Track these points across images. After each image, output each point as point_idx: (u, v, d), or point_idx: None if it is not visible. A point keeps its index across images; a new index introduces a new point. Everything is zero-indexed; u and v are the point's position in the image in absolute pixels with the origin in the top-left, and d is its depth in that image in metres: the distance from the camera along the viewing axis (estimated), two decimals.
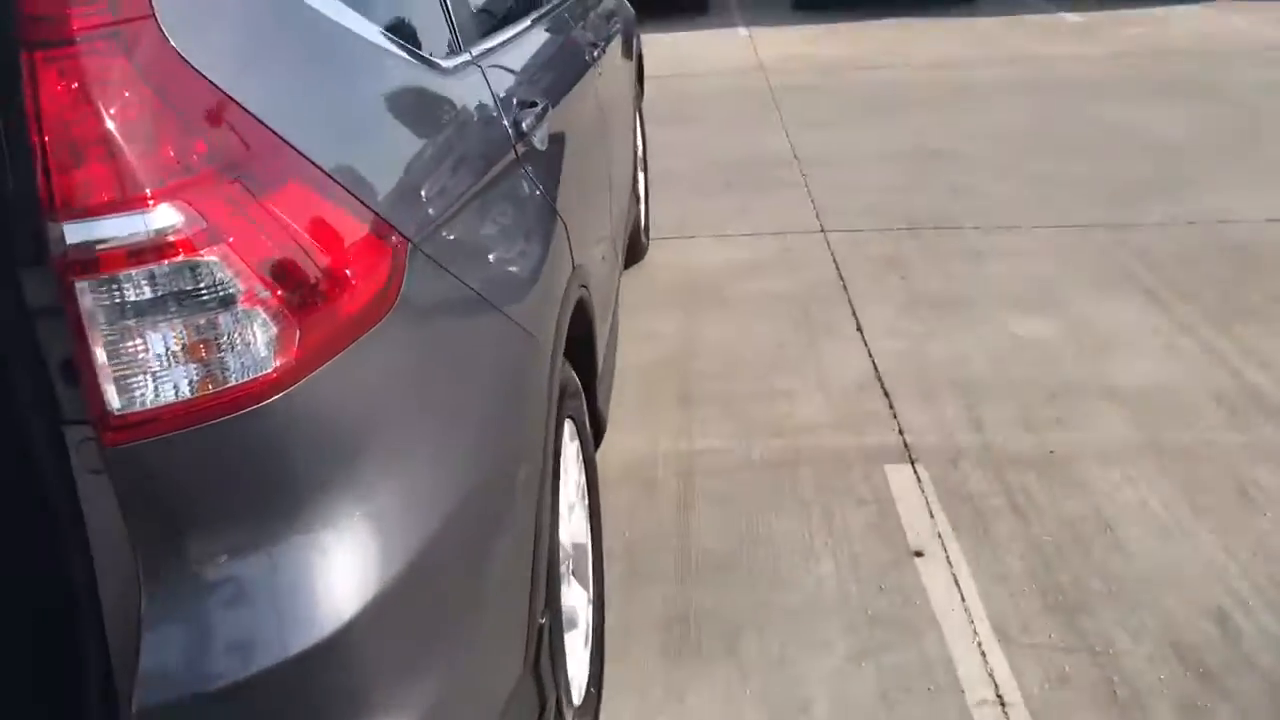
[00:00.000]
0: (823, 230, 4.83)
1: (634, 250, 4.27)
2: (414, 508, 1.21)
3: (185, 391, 0.99)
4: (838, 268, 4.37)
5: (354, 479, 1.14)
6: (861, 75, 8.42)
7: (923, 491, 2.83)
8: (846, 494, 2.83)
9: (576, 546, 2.09)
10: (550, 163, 1.96)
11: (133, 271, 0.94)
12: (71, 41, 0.91)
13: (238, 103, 1.03)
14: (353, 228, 1.15)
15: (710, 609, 2.43)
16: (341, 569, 1.11)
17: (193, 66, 1.00)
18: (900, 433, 3.11)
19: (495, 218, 1.56)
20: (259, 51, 1.13)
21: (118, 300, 0.93)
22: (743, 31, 10.84)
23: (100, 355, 0.94)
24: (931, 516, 2.72)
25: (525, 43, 2.17)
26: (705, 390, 3.41)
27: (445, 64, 1.58)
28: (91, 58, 0.92)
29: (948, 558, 2.56)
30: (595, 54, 2.79)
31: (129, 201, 0.93)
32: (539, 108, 1.92)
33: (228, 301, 0.99)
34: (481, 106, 1.67)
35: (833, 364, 3.54)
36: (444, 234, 1.36)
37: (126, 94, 0.94)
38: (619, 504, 2.82)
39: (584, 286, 2.06)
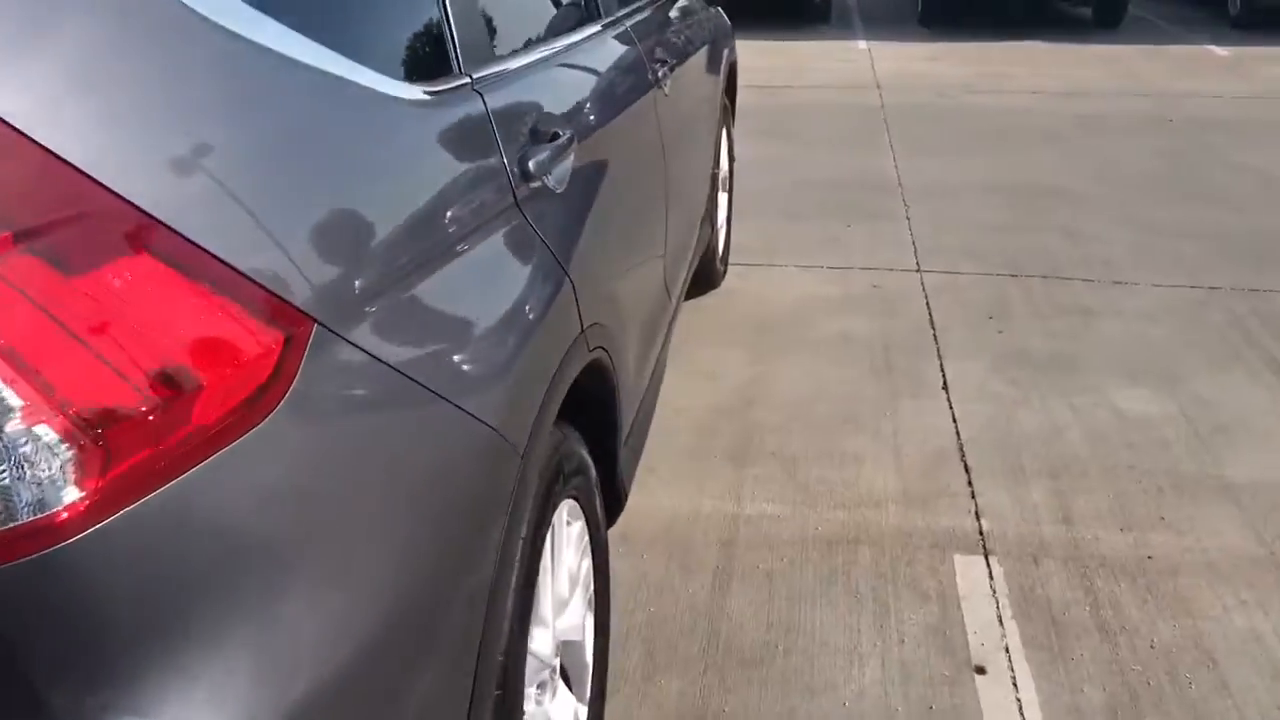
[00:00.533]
0: (919, 269, 4.45)
1: (706, 277, 3.97)
2: (288, 666, 0.95)
3: None
4: (930, 313, 4.00)
5: (203, 637, 0.88)
6: (983, 100, 7.94)
7: (994, 592, 2.47)
8: (907, 586, 2.49)
9: (569, 646, 1.82)
10: (569, 207, 1.68)
11: None
12: None
13: (39, 144, 0.78)
14: (217, 313, 0.90)
15: (730, 713, 2.13)
16: None
17: None
18: (977, 517, 2.75)
19: (464, 283, 1.29)
20: (93, 71, 0.87)
21: None
22: (862, 44, 10.41)
23: None
24: (1001, 625, 2.36)
25: (562, 62, 1.90)
26: (764, 445, 3.09)
27: (420, 91, 1.31)
28: None
29: (1014, 678, 2.21)
30: (661, 72, 2.50)
31: None
32: (560, 141, 1.64)
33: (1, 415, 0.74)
34: (468, 143, 1.40)
35: (911, 426, 3.19)
36: (377, 310, 1.09)
37: None
38: (648, 572, 2.53)
39: (601, 349, 1.78)
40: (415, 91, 1.31)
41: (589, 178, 1.84)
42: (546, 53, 1.84)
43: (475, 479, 1.21)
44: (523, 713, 1.48)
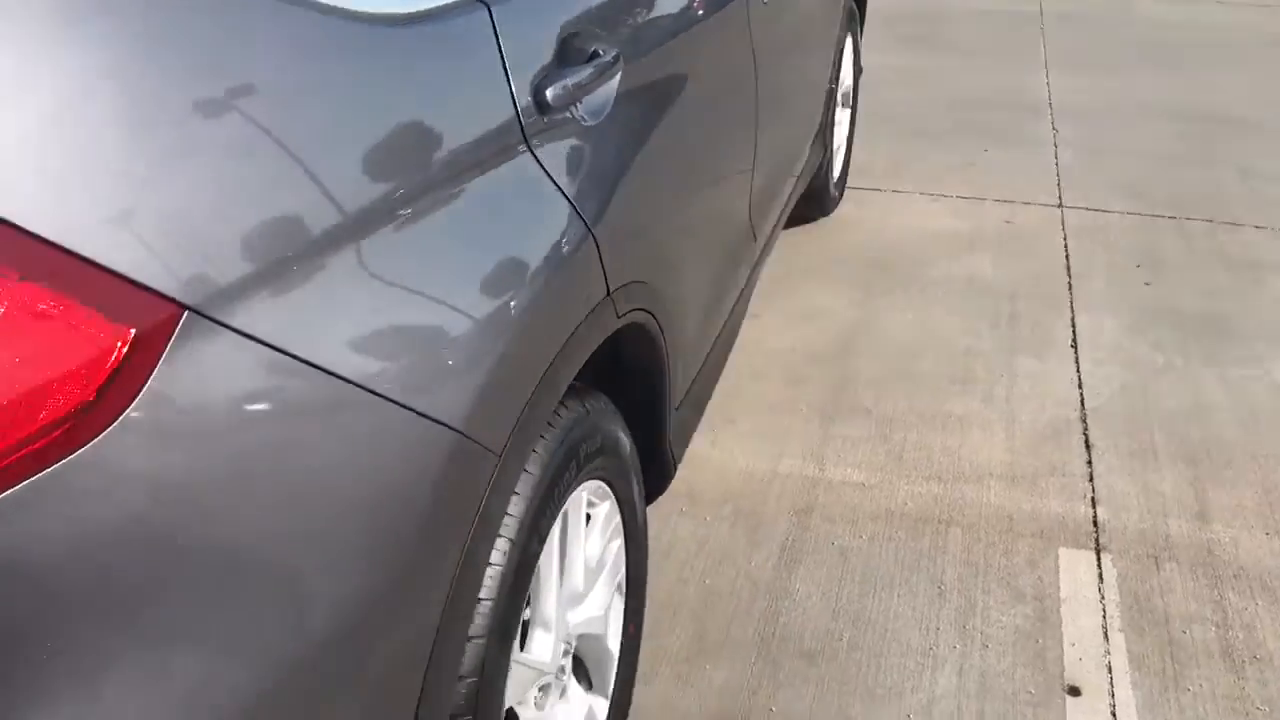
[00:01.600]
0: (1060, 204, 4.00)
1: (818, 202, 3.63)
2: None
3: None
4: (1068, 257, 3.58)
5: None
6: (1160, 8, 7.15)
7: (1102, 597, 2.16)
8: (1000, 580, 2.20)
9: (587, 639, 1.61)
10: (606, 144, 1.41)
11: None
12: None
13: None
14: (21, 307, 0.68)
15: (777, 713, 1.90)
16: None
17: None
18: (1093, 504, 2.42)
19: (427, 245, 1.04)
20: None
21: None
22: None
23: None
24: (1106, 638, 2.06)
25: None
26: (858, 400, 2.80)
27: (394, 6, 1.05)
28: None
29: (1113, 706, 1.91)
30: None
31: None
32: (599, 62, 1.36)
33: None
34: (457, 70, 1.14)
35: (1029, 389, 2.84)
36: (284, 288, 0.87)
37: None
38: (709, 538, 2.30)
39: (642, 310, 1.52)
40: (388, 4, 1.06)
41: (642, 106, 1.56)
42: None
43: (420, 491, 0.98)
44: None
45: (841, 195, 3.90)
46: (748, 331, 3.08)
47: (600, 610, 1.61)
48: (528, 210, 1.21)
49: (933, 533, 2.33)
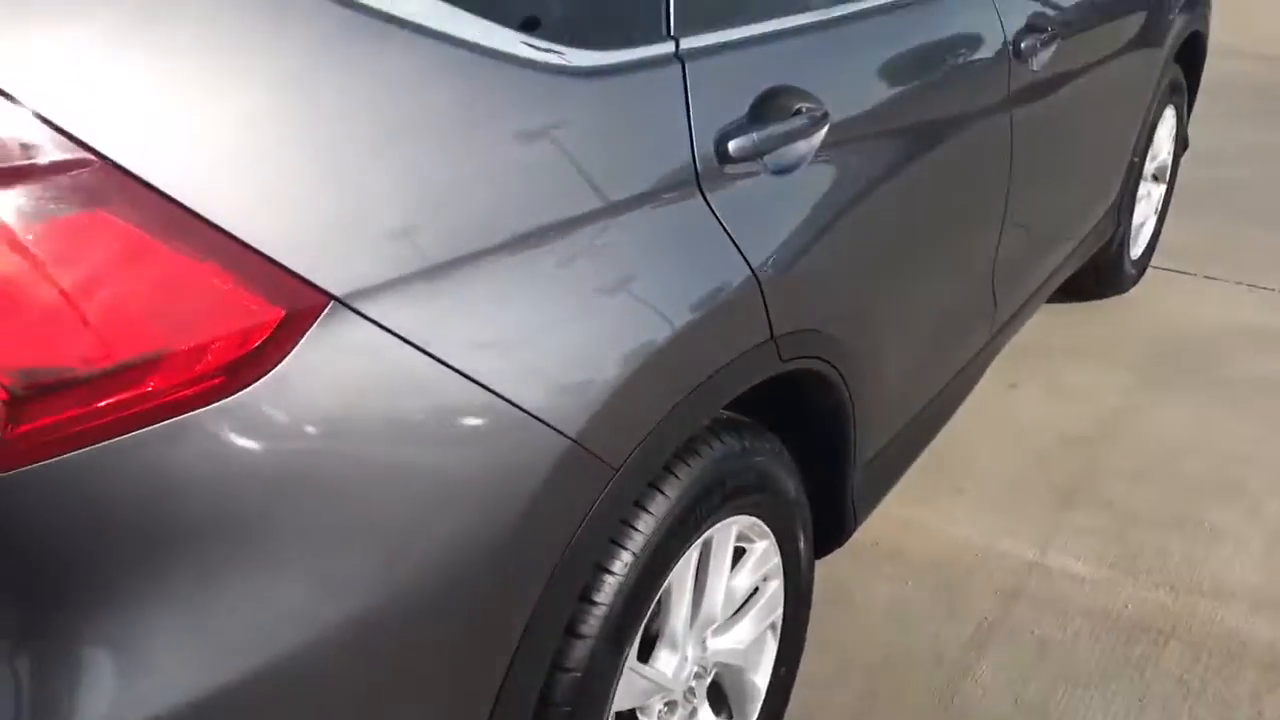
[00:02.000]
0: None
1: (1110, 279, 3.45)
2: (228, 645, 0.93)
3: None
4: None
5: (121, 591, 0.89)
6: None
7: None
8: (1212, 708, 2.01)
9: (728, 669, 1.67)
10: (794, 194, 1.48)
11: None
12: None
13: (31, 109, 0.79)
14: (193, 281, 0.87)
15: None
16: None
17: None
18: None
19: (578, 266, 1.16)
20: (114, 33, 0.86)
21: None
22: None
23: None
24: None
25: (848, 28, 1.67)
26: (1102, 491, 2.64)
27: (585, 59, 1.19)
28: None
29: None
30: (1027, 44, 2.12)
31: None
32: (800, 120, 1.44)
33: None
34: (638, 117, 1.26)
35: None
36: (429, 290, 1.02)
37: None
38: (905, 601, 2.27)
39: (818, 359, 1.57)
40: (593, 58, 1.20)
41: (852, 163, 1.61)
42: (822, 17, 1.62)
43: (524, 486, 1.10)
44: None
45: (1141, 275, 3.67)
46: (1000, 401, 2.99)
47: (744, 644, 1.66)
48: (688, 249, 1.31)
49: (1149, 642, 2.17)
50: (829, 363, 1.61)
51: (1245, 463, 2.75)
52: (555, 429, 1.12)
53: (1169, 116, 3.47)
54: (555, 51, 1.17)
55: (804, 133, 1.47)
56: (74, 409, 0.84)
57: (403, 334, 1.00)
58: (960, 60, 1.95)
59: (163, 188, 0.86)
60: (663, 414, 1.26)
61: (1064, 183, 2.58)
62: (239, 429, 0.91)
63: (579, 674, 1.29)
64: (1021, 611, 2.26)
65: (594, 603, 1.29)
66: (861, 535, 2.08)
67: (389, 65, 1.02)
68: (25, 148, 0.81)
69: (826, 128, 1.50)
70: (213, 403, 0.90)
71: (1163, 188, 3.68)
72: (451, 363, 1.04)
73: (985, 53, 2.01)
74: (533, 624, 1.17)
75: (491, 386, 1.07)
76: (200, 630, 0.92)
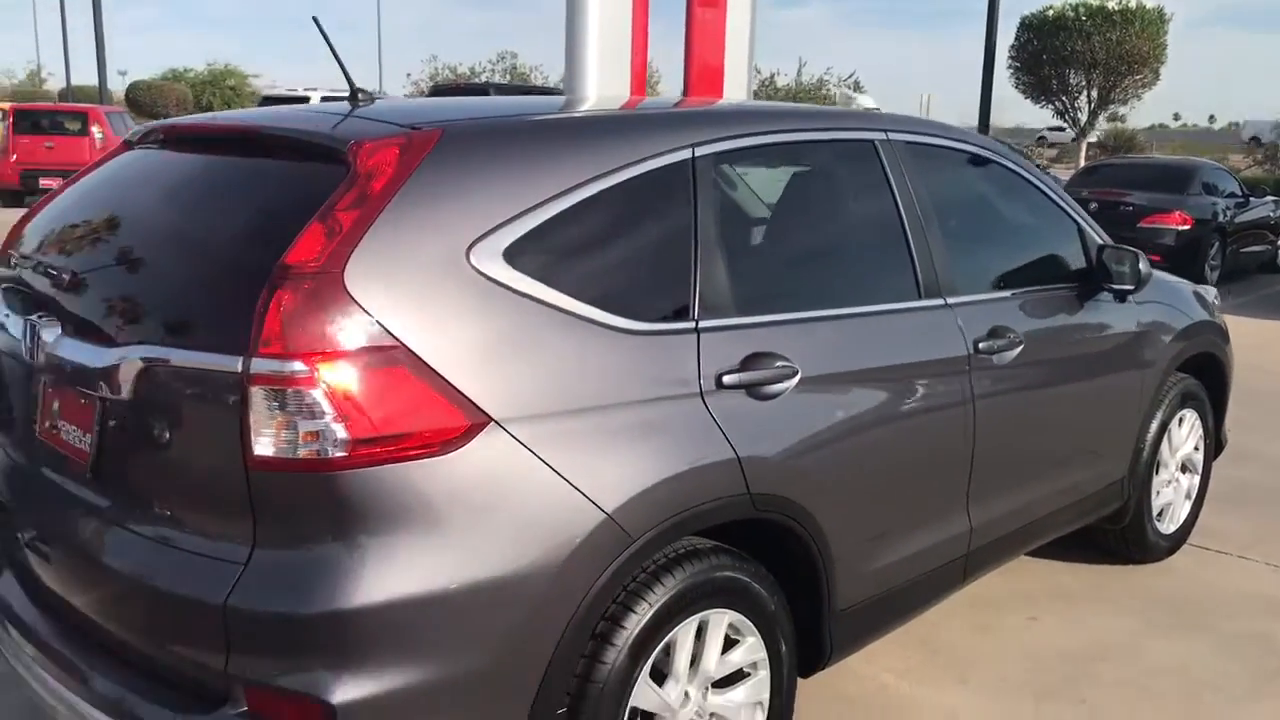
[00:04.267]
0: None
1: (1137, 546, 4.18)
2: (428, 568, 1.98)
3: (297, 453, 1.93)
4: None
5: (387, 532, 1.96)
6: None
7: None
8: None
9: (719, 718, 2.52)
10: (772, 411, 2.49)
11: (273, 388, 1.92)
12: (292, 276, 1.93)
13: (379, 323, 1.96)
14: (432, 399, 1.99)
15: None
16: (348, 579, 1.94)
17: (357, 301, 1.96)
18: None
19: (633, 424, 2.22)
20: (425, 304, 2.03)
21: (263, 399, 1.92)
22: None
23: (254, 423, 1.93)
24: None
25: (818, 324, 2.72)
26: (1081, 693, 3.30)
27: (633, 325, 2.29)
28: (297, 283, 1.93)
29: None
30: (988, 346, 3.11)
31: (282, 355, 1.91)
32: (775, 369, 2.49)
33: (318, 415, 1.92)
34: (666, 359, 2.34)
35: None
36: (541, 426, 2.10)
37: (306, 305, 1.93)
38: None
39: (786, 516, 2.52)
40: (634, 325, 2.31)
41: (817, 404, 2.63)
42: (803, 316, 2.69)
43: (580, 545, 2.12)
44: None
45: (1175, 548, 4.33)
46: (1018, 630, 3.72)
47: (736, 705, 2.53)
48: (695, 430, 2.34)
49: None
50: (797, 520, 2.56)
51: (1216, 690, 3.35)
52: (602, 509, 2.15)
53: (1189, 418, 4.26)
54: (624, 320, 2.29)
55: (778, 379, 2.52)
56: (377, 449, 1.95)
57: (528, 445, 2.08)
58: (917, 347, 2.96)
59: (427, 360, 2.01)
60: (669, 515, 2.26)
61: (1035, 450, 3.45)
62: (439, 473, 2.00)
63: (599, 685, 2.20)
64: None
65: (621, 626, 2.24)
66: (874, 700, 2.86)
67: (544, 328, 2.17)
68: (370, 342, 1.98)
69: (797, 378, 2.55)
70: (427, 459, 1.99)
71: (1194, 478, 4.41)
72: (552, 465, 2.10)
73: (945, 346, 3.02)
74: (561, 643, 2.13)
75: (573, 482, 2.12)
76: (414, 555, 1.97)
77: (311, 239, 1.98)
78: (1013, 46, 27.98)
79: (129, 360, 2.10)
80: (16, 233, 2.78)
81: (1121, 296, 3.67)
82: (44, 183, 17.58)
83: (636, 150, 2.44)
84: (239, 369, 1.94)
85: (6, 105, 22.15)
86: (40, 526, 2.40)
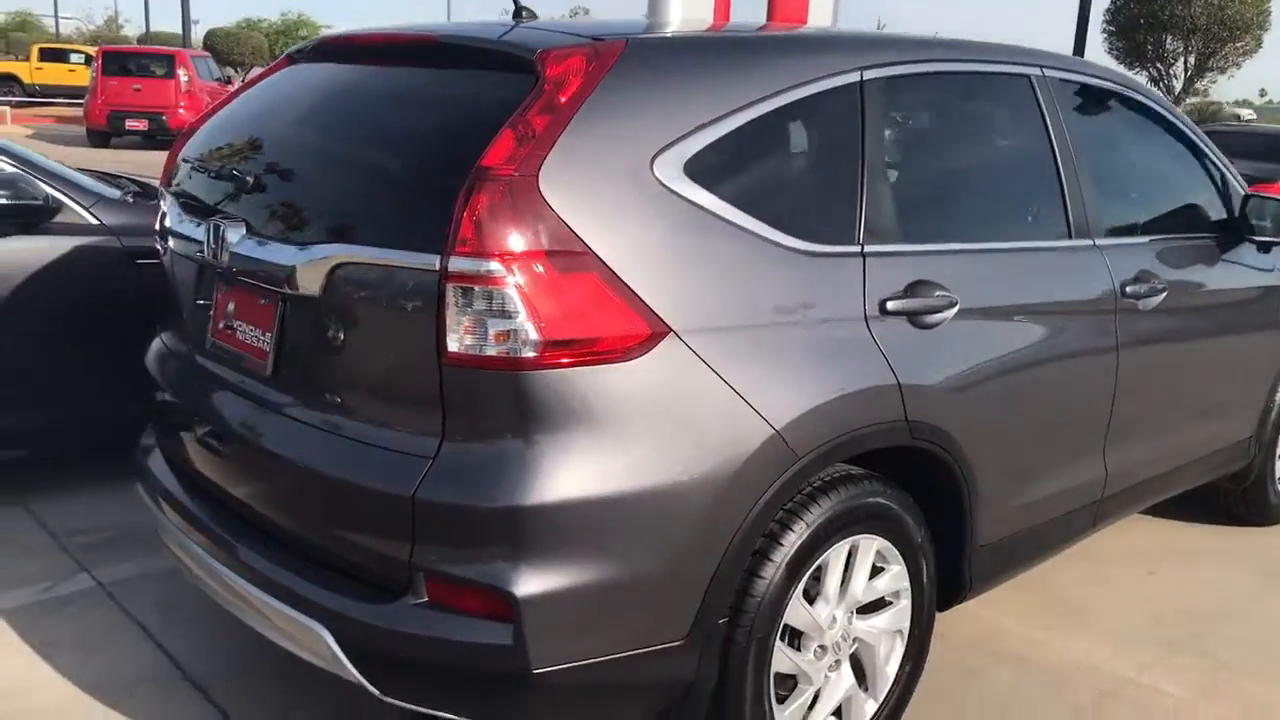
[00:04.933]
0: None
1: (1257, 509, 4.12)
2: (607, 468, 2.01)
3: (489, 351, 1.96)
4: None
5: (569, 433, 1.99)
6: None
7: None
8: None
9: (863, 645, 2.54)
10: (931, 340, 2.49)
11: (470, 286, 1.95)
12: (489, 179, 1.95)
13: (570, 228, 1.98)
14: (618, 307, 2.02)
15: None
16: (531, 475, 1.97)
17: (550, 205, 1.98)
18: None
19: (801, 345, 2.24)
20: (611, 212, 2.05)
21: (459, 297, 1.96)
22: None
23: (449, 321, 1.97)
24: None
25: (977, 255, 2.71)
26: (1205, 647, 3.28)
27: (803, 245, 2.30)
28: (494, 185, 1.96)
29: None
30: (1134, 290, 3.07)
31: (479, 254, 1.94)
32: (937, 299, 2.48)
33: (512, 315, 1.95)
34: (835, 282, 2.34)
35: None
36: (718, 339, 2.12)
37: (502, 208, 1.95)
38: (1016, 692, 3.01)
39: (934, 444, 2.52)
40: (807, 246, 2.31)
41: (973, 336, 2.61)
42: (970, 247, 2.68)
43: (749, 458, 2.13)
44: (765, 646, 2.27)
45: None
46: (1137, 583, 3.69)
47: (878, 631, 2.55)
48: (858, 354, 2.34)
49: None
50: (949, 454, 2.56)
51: None
52: (772, 426, 2.17)
53: None
54: (794, 240, 2.30)
55: (938, 308, 2.51)
56: (564, 352, 1.98)
57: (704, 357, 2.10)
58: (1069, 287, 2.93)
59: (613, 267, 2.03)
60: (833, 436, 2.27)
61: (1170, 400, 3.39)
62: (621, 380, 2.03)
63: (757, 599, 2.23)
64: (1113, 708, 2.95)
65: (779, 543, 2.26)
66: (997, 641, 2.88)
67: (721, 243, 2.18)
68: (564, 246, 2.00)
69: (956, 309, 2.54)
70: (612, 364, 2.02)
71: None
72: (726, 378, 2.12)
73: (1094, 287, 2.98)
74: (726, 554, 2.16)
75: (745, 396, 2.14)
76: (595, 457, 2.01)
77: (506, 143, 2.01)
78: (1108, 10, 27.18)
79: (321, 258, 2.15)
80: (182, 145, 2.85)
81: (1266, 248, 3.59)
82: (130, 124, 17.95)
83: (808, 70, 2.42)
84: (436, 267, 1.97)
85: (93, 50, 22.57)
86: (214, 423, 2.47)
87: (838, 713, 2.53)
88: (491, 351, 1.97)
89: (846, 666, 2.53)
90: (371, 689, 2.11)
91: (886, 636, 2.59)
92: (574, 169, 2.04)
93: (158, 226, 2.84)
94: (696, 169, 2.18)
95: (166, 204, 2.77)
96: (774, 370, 2.22)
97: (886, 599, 2.59)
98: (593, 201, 2.05)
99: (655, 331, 2.06)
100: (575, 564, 2.01)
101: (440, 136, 2.20)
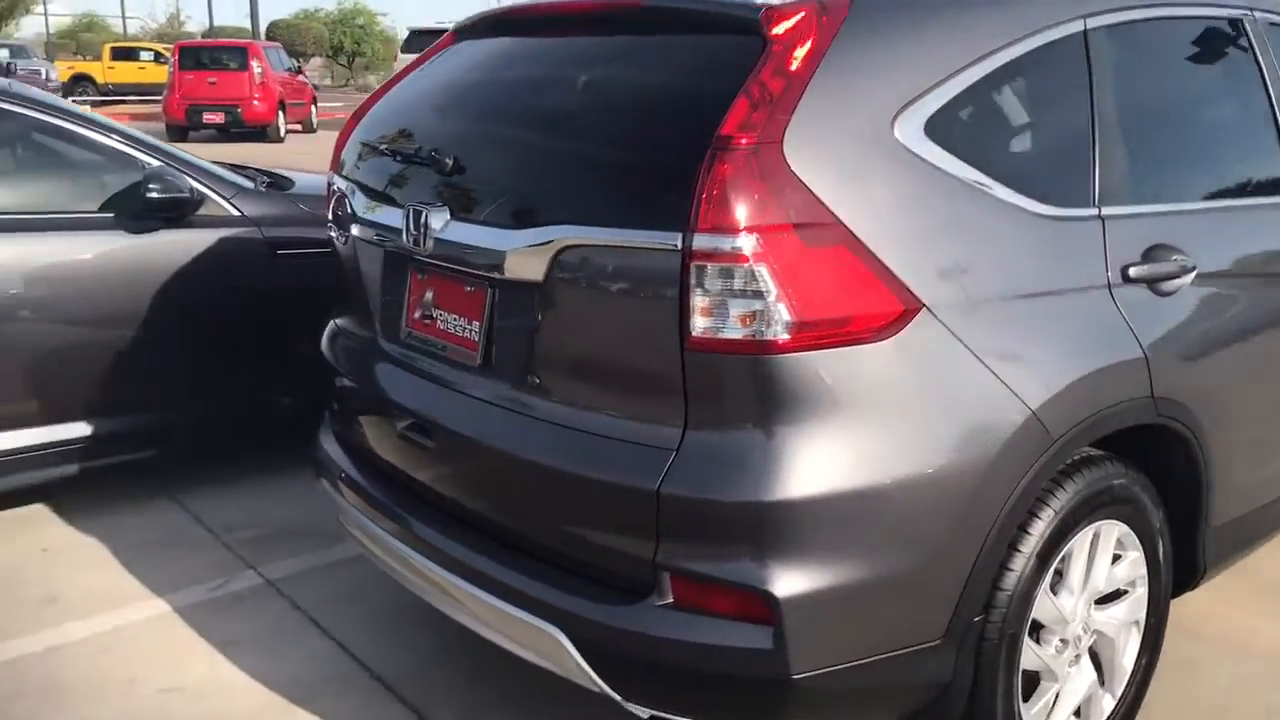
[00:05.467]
0: None
1: None
2: (865, 458, 1.87)
3: (736, 334, 1.83)
4: None
5: (825, 420, 1.85)
6: None
7: None
8: None
9: (1102, 637, 2.37)
10: (1174, 311, 2.32)
11: (718, 264, 1.81)
12: (731, 148, 1.82)
13: (818, 198, 1.84)
14: (869, 281, 1.87)
15: None
16: (788, 466, 1.84)
17: (796, 174, 1.83)
18: None
19: (1047, 321, 2.07)
20: (857, 179, 1.90)
21: (706, 277, 1.82)
22: None
23: (693, 302, 1.83)
24: None
25: (1217, 218, 2.52)
26: None
27: (1042, 209, 2.12)
28: (738, 155, 1.81)
29: None
30: None
31: (728, 230, 1.80)
32: (1176, 265, 2.30)
33: (762, 295, 1.81)
34: (1076, 247, 2.17)
35: None
36: (973, 317, 1.96)
37: (748, 179, 1.81)
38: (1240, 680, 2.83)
39: (1177, 421, 2.34)
40: (1047, 210, 2.14)
41: (1210, 303, 2.42)
42: (1203, 207, 2.48)
43: (1007, 443, 1.97)
44: (1016, 642, 2.11)
45: None
46: None
47: (1116, 623, 2.38)
48: (1104, 326, 2.17)
49: None
50: (1190, 430, 2.38)
51: None
52: (1028, 406, 2.00)
53: None
54: (1033, 203, 2.12)
55: (1177, 273, 2.32)
56: (816, 332, 1.84)
57: (957, 334, 1.94)
58: None
59: (862, 239, 1.88)
60: (1086, 415, 2.10)
61: None
62: (874, 361, 1.88)
63: (1007, 593, 2.08)
64: None
65: (1029, 533, 2.10)
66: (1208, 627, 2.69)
67: (965, 207, 2.02)
68: (813, 218, 1.86)
69: (1194, 274, 2.35)
70: (865, 344, 1.87)
71: None
72: (979, 356, 1.96)
73: None
74: (992, 533, 2.00)
75: (999, 375, 1.98)
76: (851, 446, 1.86)
77: (742, 109, 1.86)
78: None
79: (544, 242, 2.02)
80: (350, 130, 2.74)
81: None
82: (208, 118, 18.12)
83: (1032, 20, 2.23)
84: (678, 245, 1.84)
85: (162, 48, 22.79)
86: (417, 416, 2.36)
87: (1077, 711, 2.37)
88: (739, 334, 1.84)
89: (1086, 660, 2.37)
90: (613, 695, 2.00)
91: (1124, 627, 2.42)
92: (817, 133, 1.89)
93: (331, 214, 2.75)
94: (934, 128, 2.01)
95: (343, 190, 2.67)
96: (1026, 346, 2.05)
97: (1123, 588, 2.42)
98: (837, 167, 1.90)
99: (908, 308, 1.90)
100: (834, 561, 1.88)
101: (664, 106, 2.06)
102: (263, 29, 42.14)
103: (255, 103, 18.01)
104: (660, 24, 2.22)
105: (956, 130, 2.05)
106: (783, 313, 1.82)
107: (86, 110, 4.06)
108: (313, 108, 20.74)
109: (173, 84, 18.38)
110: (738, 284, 1.82)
